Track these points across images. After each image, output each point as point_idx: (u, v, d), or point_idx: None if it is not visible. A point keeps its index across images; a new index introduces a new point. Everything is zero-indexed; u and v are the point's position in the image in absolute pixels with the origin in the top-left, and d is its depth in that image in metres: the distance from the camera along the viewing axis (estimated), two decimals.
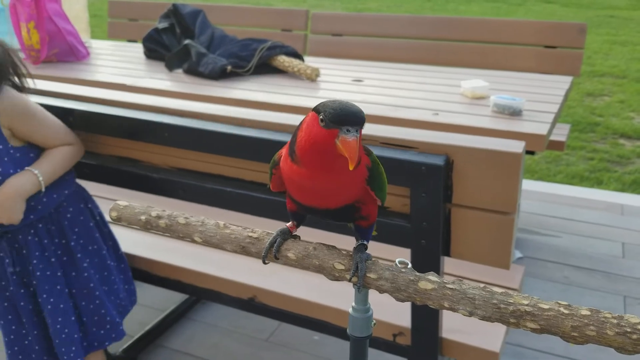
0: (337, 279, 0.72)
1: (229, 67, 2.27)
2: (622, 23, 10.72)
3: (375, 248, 1.23)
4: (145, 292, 2.50)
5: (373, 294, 1.55)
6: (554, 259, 2.74)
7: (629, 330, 0.58)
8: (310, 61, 2.76)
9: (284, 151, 0.79)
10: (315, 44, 3.28)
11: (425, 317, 1.31)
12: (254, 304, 1.60)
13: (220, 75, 2.25)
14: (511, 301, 0.63)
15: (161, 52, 2.63)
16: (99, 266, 1.61)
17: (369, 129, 1.26)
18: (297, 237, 0.84)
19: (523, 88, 2.13)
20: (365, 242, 0.81)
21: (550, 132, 1.74)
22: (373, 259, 0.77)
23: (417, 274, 0.68)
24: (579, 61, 2.77)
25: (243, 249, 0.76)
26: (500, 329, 1.39)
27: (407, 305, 1.38)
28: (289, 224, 0.85)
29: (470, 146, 1.14)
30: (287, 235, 0.83)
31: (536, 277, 2.60)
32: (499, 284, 1.57)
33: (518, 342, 2.19)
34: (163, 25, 2.68)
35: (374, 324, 0.76)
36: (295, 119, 1.29)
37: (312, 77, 2.29)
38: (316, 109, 0.71)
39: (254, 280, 1.59)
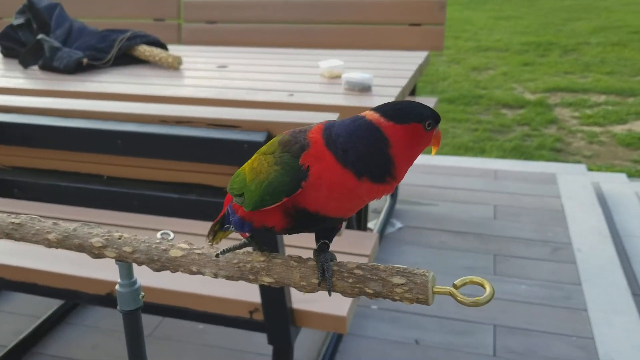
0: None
1: (85, 60, 2.20)
2: None
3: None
4: (18, 299, 2.41)
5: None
6: (431, 226, 2.88)
7: (346, 274, 0.62)
8: (180, 49, 2.73)
9: (322, 171, 0.66)
10: (189, 32, 3.24)
11: (271, 290, 1.35)
12: (112, 298, 1.57)
13: (75, 69, 2.18)
14: (249, 259, 0.66)
15: (18, 49, 2.50)
16: None
17: (195, 111, 1.27)
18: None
19: (378, 65, 2.21)
20: (327, 241, 0.74)
21: None
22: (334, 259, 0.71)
23: (170, 243, 0.70)
24: (440, 36, 2.90)
25: (7, 235, 0.75)
26: None
27: None
28: (246, 239, 0.75)
29: (288, 121, 1.17)
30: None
31: (415, 245, 2.73)
32: (352, 252, 1.63)
33: (395, 307, 2.29)
34: (19, 21, 2.56)
35: (142, 296, 0.77)
36: (119, 107, 1.28)
37: (174, 65, 2.26)
38: (419, 119, 0.66)
39: (109, 275, 1.57)
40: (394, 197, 3.06)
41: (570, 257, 2.60)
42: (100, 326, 2.25)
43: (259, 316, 1.46)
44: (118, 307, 0.79)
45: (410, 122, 0.65)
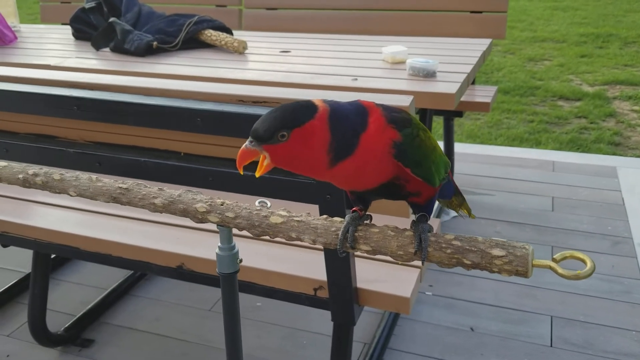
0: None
1: (155, 43, 2.27)
2: None
3: (286, 206, 1.29)
4: (86, 271, 2.52)
5: (294, 252, 1.60)
6: (487, 216, 2.86)
7: (444, 245, 0.64)
8: (242, 35, 2.78)
9: None
10: (250, 18, 3.29)
11: (338, 269, 1.38)
12: (182, 271, 1.64)
13: (146, 51, 2.26)
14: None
15: (89, 32, 2.61)
16: None
17: (271, 91, 1.31)
18: (369, 217, 0.78)
19: (442, 52, 2.20)
20: (425, 214, 0.76)
21: (461, 91, 1.81)
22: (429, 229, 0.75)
23: (270, 210, 0.74)
24: (503, 24, 2.86)
25: (114, 199, 0.80)
26: (412, 276, 1.48)
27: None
28: (354, 207, 0.78)
29: None
30: (357, 220, 0.75)
31: (470, 234, 2.70)
32: None
33: (450, 294, 2.29)
34: (90, 4, 2.66)
35: (240, 260, 0.81)
36: (198, 86, 1.33)
37: (239, 49, 2.32)
38: None
39: (180, 248, 1.63)
40: None
41: (630, 251, 2.54)
42: (163, 299, 2.34)
43: (323, 293, 1.50)
44: (217, 269, 0.83)
45: None
